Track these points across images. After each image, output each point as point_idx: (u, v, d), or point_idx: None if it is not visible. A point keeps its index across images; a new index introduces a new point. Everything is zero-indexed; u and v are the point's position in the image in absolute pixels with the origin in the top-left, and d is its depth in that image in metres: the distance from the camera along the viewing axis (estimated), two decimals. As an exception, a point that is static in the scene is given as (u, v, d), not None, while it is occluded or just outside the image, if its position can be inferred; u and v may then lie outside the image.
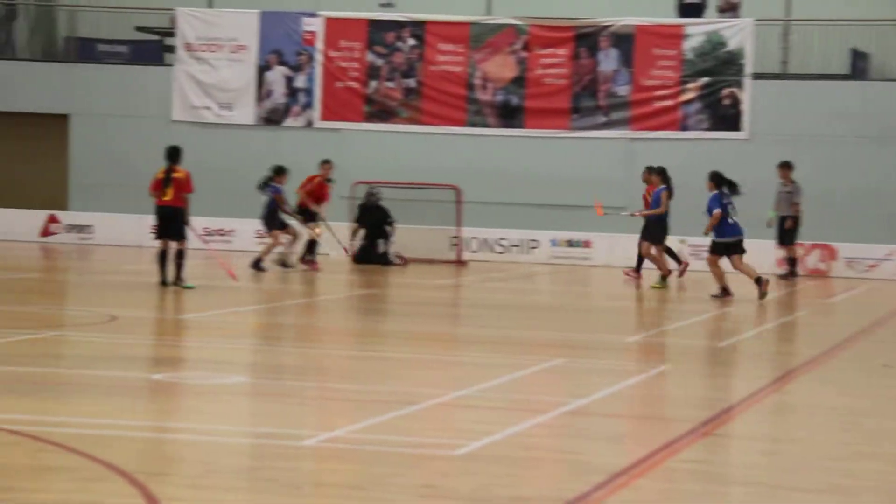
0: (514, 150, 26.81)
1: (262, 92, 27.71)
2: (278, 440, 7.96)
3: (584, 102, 26.78)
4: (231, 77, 27.67)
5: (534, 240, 26.10)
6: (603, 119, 26.72)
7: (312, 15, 27.58)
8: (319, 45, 27.51)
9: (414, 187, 25.73)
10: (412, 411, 9.08)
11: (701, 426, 9.00)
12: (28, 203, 27.60)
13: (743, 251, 18.66)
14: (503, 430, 8.45)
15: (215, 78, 27.68)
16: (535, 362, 11.88)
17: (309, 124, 27.54)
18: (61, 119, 27.99)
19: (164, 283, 17.52)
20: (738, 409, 10.02)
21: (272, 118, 27.73)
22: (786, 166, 23.60)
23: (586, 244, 26.03)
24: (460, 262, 25.05)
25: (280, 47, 27.64)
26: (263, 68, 27.68)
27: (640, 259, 21.38)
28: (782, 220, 23.31)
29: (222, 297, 17.57)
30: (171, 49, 28.17)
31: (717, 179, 18.80)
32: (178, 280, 17.53)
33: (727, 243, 18.59)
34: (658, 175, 20.99)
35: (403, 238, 24.95)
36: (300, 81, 27.65)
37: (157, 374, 10.21)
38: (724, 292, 18.60)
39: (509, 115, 27.01)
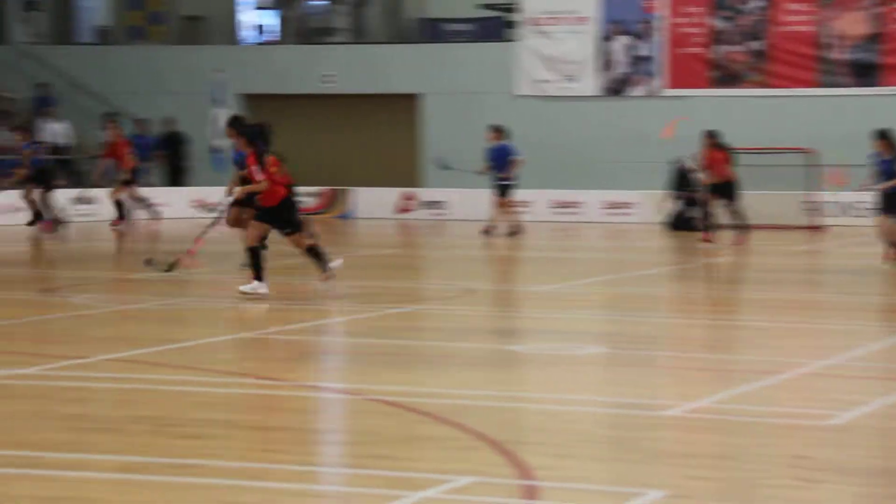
0: (870, 109, 25.69)
1: (605, 62, 27.65)
2: (641, 410, 7.89)
3: (947, 54, 25.38)
4: (573, 49, 27.72)
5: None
6: (968, 71, 25.25)
7: (655, -18, 27.27)
8: (662, 11, 27.18)
9: (765, 152, 25.02)
10: (778, 381, 8.83)
11: None
12: (384, 181, 28.56)
13: None
14: (876, 399, 8.12)
15: (557, 51, 27.81)
16: (905, 329, 11.35)
17: (652, 93, 27.28)
18: (411, 99, 28.79)
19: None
20: None
21: (615, 88, 27.64)
22: None
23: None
24: (814, 228, 24.24)
25: (621, 17, 27.47)
26: (605, 39, 27.61)
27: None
28: None
29: (570, 269, 17.65)
30: (513, 24, 28.50)
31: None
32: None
33: None
34: None
35: (753, 204, 24.35)
36: (642, 50, 27.41)
37: (515, 346, 10.34)
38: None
39: (864, 73, 25.91)
